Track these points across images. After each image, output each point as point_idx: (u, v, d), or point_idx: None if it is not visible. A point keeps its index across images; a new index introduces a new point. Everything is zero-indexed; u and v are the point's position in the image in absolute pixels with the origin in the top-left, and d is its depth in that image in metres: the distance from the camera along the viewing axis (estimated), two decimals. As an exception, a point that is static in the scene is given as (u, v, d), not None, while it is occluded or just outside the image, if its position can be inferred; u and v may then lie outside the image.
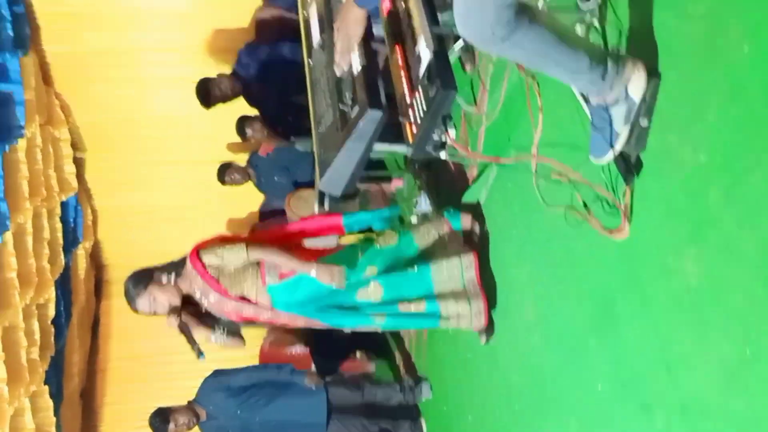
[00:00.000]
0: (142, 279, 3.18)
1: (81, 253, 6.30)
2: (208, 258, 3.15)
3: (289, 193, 5.28)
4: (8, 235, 4.62)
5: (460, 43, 3.63)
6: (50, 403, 4.98)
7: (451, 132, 3.24)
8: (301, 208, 5.06)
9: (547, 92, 2.91)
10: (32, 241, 5.06)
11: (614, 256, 2.42)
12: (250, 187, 5.76)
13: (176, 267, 3.24)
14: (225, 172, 5.55)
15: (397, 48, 2.36)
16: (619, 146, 2.25)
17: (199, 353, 3.17)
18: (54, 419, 4.99)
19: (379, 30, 2.56)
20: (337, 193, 2.27)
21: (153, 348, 6.37)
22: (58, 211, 5.75)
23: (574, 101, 2.55)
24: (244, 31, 5.58)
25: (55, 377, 5.37)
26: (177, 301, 3.17)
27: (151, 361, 6.54)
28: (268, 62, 4.81)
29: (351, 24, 2.14)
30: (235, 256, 3.17)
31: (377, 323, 3.36)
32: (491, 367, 3.51)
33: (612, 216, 2.40)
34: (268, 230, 3.62)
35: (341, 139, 2.14)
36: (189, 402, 4.27)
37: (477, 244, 3.50)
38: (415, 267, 3.33)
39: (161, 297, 3.15)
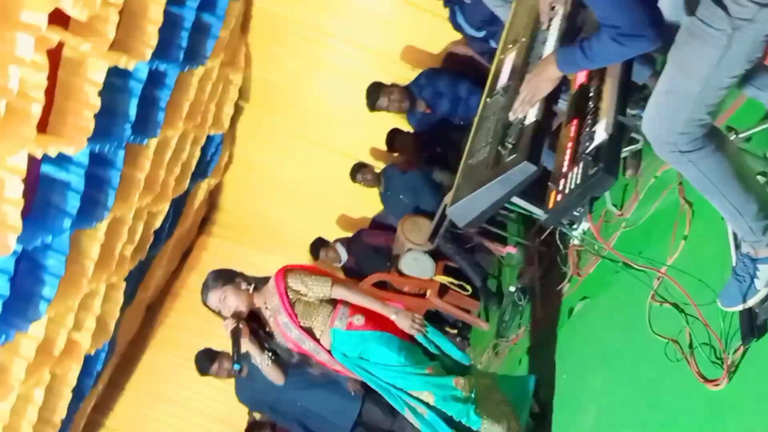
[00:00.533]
0: (223, 276, 3.23)
1: (204, 186, 6.63)
2: (293, 281, 3.15)
3: (407, 214, 5.34)
4: (153, 142, 4.94)
5: (631, 147, 3.60)
6: (121, 299, 5.24)
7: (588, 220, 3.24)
8: (413, 233, 5.13)
9: (699, 224, 2.85)
10: (170, 156, 5.38)
11: (699, 403, 2.33)
12: (373, 193, 5.88)
13: (258, 281, 3.27)
14: (359, 171, 5.71)
15: (575, 120, 2.37)
16: (752, 303, 2.17)
17: (237, 363, 3.14)
18: (117, 315, 5.26)
19: (563, 99, 2.59)
20: (461, 224, 2.29)
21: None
22: (202, 142, 6.09)
23: (723, 241, 2.48)
24: (433, 56, 5.75)
25: (134, 280, 5.66)
26: (244, 309, 3.18)
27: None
28: (443, 92, 4.92)
29: (543, 80, 2.18)
30: (320, 287, 3.16)
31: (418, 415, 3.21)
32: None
33: (714, 366, 2.30)
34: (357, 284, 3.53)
35: (487, 177, 2.17)
36: None
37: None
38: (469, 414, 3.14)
39: (231, 299, 3.16)
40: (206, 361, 4.34)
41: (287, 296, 3.13)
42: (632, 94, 2.57)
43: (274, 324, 3.21)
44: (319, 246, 6.02)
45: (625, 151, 3.50)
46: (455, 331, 5.55)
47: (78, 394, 5.01)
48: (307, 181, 6.65)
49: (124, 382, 6.61)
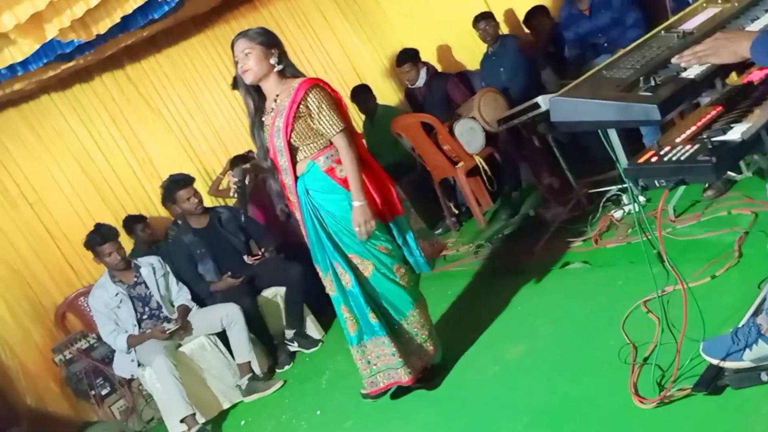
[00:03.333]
0: (265, 36, 3.00)
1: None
2: (314, 98, 2.93)
3: (494, 87, 5.17)
4: None
5: (732, 174, 3.45)
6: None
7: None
8: (488, 106, 4.95)
9: (734, 274, 2.81)
10: None
11: (616, 407, 2.39)
12: (479, 49, 5.67)
13: (291, 68, 3.05)
14: (485, 20, 5.35)
15: (720, 107, 2.22)
16: (728, 365, 2.16)
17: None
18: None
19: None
20: (555, 118, 2.15)
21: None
22: None
23: (743, 304, 2.46)
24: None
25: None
26: (251, 79, 2.99)
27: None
28: (612, 5, 4.46)
29: (729, 49, 2.00)
30: (329, 123, 2.95)
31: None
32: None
33: (654, 387, 2.32)
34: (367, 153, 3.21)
35: (611, 95, 2.04)
36: None
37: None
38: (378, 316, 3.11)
39: (253, 61, 2.96)
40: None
41: (297, 107, 2.93)
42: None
43: (270, 120, 3.03)
44: (411, 57, 5.79)
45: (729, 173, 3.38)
46: (456, 211, 5.58)
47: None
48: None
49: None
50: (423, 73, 5.78)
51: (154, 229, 5.60)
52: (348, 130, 3.03)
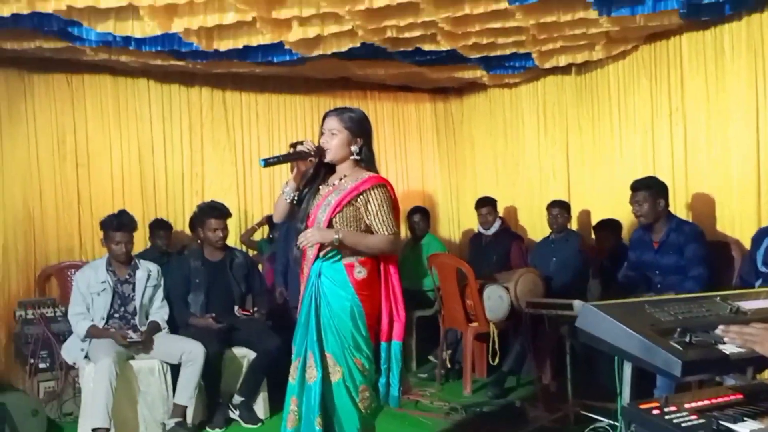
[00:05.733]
0: (361, 126, 3.06)
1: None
2: (376, 196, 2.96)
3: (539, 270, 5.13)
4: None
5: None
6: None
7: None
8: (526, 285, 4.90)
9: None
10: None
11: None
12: (541, 229, 5.69)
13: (368, 161, 3.08)
14: (560, 208, 5.37)
15: (739, 394, 2.12)
16: None
17: (266, 161, 2.99)
18: None
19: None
20: (579, 323, 2.10)
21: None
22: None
23: None
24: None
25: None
26: (328, 157, 3.03)
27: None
28: (683, 252, 4.32)
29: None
30: (384, 223, 2.96)
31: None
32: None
33: None
34: (393, 278, 3.11)
35: (642, 329, 1.97)
36: None
37: None
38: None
39: (335, 141, 3.01)
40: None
41: (357, 195, 2.97)
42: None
43: (325, 192, 3.05)
44: (492, 203, 5.97)
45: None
46: (449, 366, 5.44)
47: None
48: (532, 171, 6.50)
49: None
50: (497, 223, 5.87)
51: (171, 242, 5.61)
52: (397, 236, 3.03)
